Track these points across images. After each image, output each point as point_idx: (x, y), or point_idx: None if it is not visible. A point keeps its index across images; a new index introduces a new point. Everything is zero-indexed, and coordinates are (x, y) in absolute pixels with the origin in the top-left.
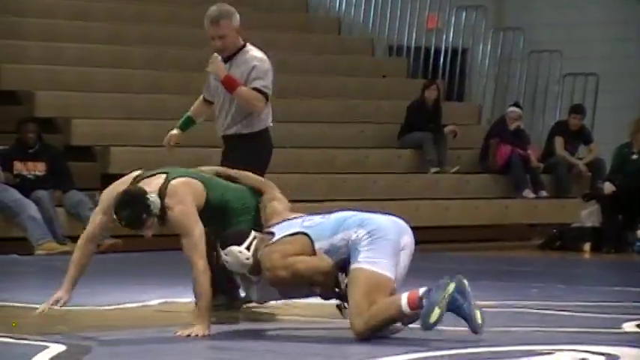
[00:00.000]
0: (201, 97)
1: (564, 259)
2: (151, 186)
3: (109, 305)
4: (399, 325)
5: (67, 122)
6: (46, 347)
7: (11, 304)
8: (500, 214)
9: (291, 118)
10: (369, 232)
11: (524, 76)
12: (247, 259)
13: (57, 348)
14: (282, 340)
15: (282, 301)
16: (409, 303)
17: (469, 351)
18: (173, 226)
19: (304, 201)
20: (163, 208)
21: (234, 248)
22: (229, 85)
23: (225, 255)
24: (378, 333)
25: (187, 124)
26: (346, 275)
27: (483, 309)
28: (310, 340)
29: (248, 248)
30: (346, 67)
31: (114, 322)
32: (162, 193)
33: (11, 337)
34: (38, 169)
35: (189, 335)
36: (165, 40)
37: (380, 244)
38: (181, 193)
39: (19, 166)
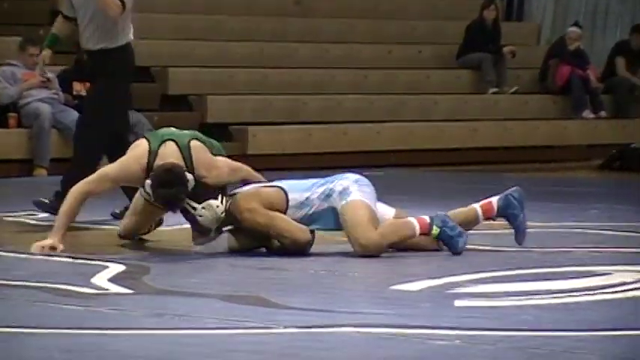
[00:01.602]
0: (60, 16)
1: (624, 180)
2: (175, 158)
3: (169, 225)
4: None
5: (164, 71)
6: (106, 267)
7: (73, 224)
8: (559, 135)
9: (352, 39)
10: (355, 181)
11: None
12: (222, 213)
13: (116, 267)
14: (335, 272)
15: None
16: (420, 227)
17: (530, 272)
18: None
19: (364, 122)
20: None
21: (213, 202)
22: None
23: (203, 209)
24: (395, 247)
25: (53, 42)
26: None
27: (542, 229)
28: (357, 264)
29: (221, 203)
30: None
31: (171, 241)
32: (189, 164)
33: (70, 257)
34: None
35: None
36: None
37: (366, 190)
38: (205, 158)
39: (78, 87)
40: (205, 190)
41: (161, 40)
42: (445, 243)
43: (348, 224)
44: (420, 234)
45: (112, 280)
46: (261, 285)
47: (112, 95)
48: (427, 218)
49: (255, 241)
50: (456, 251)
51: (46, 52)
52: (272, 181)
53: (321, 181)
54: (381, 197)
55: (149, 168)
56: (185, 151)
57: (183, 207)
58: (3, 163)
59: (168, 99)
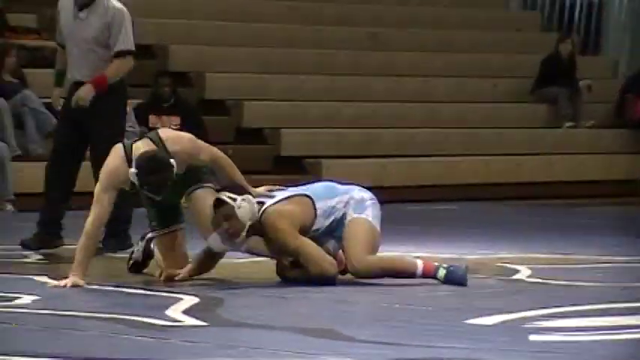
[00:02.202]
0: (59, 48)
1: None
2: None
3: (240, 258)
4: None
5: (201, 76)
6: (180, 299)
7: None
8: (635, 169)
9: (426, 72)
10: (371, 198)
11: None
12: (258, 211)
13: (190, 300)
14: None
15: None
16: (425, 269)
17: (606, 306)
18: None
19: (439, 155)
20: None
21: (251, 197)
22: (101, 85)
23: (243, 200)
24: (375, 276)
25: (59, 79)
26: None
27: (619, 264)
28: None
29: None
30: (480, 20)
31: (246, 274)
32: (163, 149)
33: (144, 289)
34: (173, 122)
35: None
36: None
37: (377, 214)
38: (171, 134)
39: (153, 120)
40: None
41: (236, 73)
42: (453, 282)
43: (349, 239)
44: (423, 276)
45: (186, 312)
46: (335, 317)
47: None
48: (435, 263)
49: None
50: (463, 283)
51: (57, 92)
52: (289, 186)
53: (340, 188)
54: (455, 231)
55: (129, 160)
56: (154, 138)
57: (222, 199)
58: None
59: (242, 132)
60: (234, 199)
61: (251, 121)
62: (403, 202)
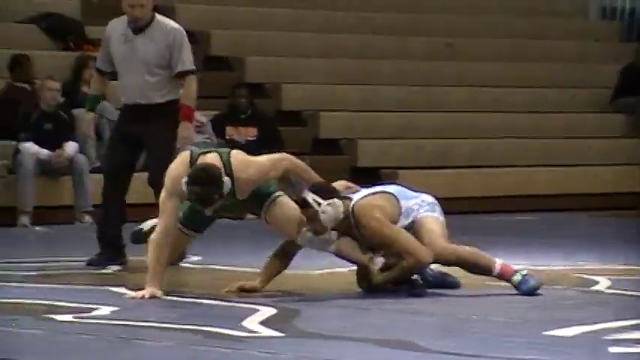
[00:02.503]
0: (95, 73)
1: None
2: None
3: (318, 269)
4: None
5: (277, 87)
6: (257, 310)
7: (224, 267)
8: None
9: (503, 82)
10: (438, 204)
11: None
12: (342, 214)
13: (267, 311)
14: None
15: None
16: (502, 270)
17: None
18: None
19: (516, 166)
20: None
21: (337, 201)
22: (190, 116)
23: (328, 205)
24: (449, 264)
25: (94, 103)
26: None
27: None
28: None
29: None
30: (558, 30)
31: (322, 285)
32: (228, 169)
33: (222, 301)
34: (250, 133)
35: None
36: (373, 7)
37: (443, 217)
38: (242, 160)
39: (230, 131)
40: (323, 185)
41: (313, 84)
42: (524, 290)
43: (426, 229)
44: (498, 275)
45: (262, 323)
46: (412, 329)
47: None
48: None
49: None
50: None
51: (90, 116)
52: (373, 185)
53: (410, 192)
54: (533, 242)
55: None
56: (224, 157)
57: (305, 200)
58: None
59: (319, 143)
60: (319, 204)
61: (328, 131)
62: (479, 212)
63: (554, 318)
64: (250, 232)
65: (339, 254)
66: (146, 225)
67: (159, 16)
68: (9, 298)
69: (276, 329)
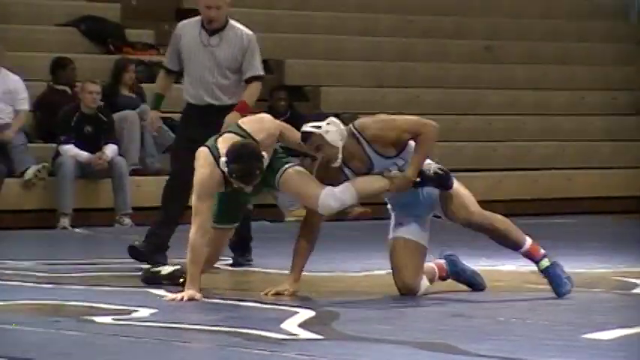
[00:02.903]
0: (162, 72)
1: None
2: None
3: (356, 272)
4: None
5: (316, 90)
6: (296, 312)
7: (263, 269)
8: None
9: (543, 85)
10: None
11: None
12: (345, 130)
13: (306, 313)
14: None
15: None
16: (531, 248)
17: None
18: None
19: (556, 169)
20: None
21: (334, 118)
22: (245, 111)
23: (328, 124)
24: (481, 230)
25: (159, 102)
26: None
27: None
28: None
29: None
30: (599, 32)
31: (362, 288)
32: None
33: (261, 303)
34: None
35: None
36: (413, 10)
37: None
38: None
39: None
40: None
41: (352, 87)
42: (550, 276)
43: (462, 195)
44: (526, 253)
45: (301, 325)
46: (451, 332)
47: None
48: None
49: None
50: (560, 293)
51: (154, 114)
52: None
53: None
54: (572, 245)
55: (218, 163)
56: (237, 130)
57: (305, 132)
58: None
59: None
60: (319, 127)
61: None
62: (520, 215)
63: (593, 321)
64: (289, 234)
65: (361, 197)
66: (165, 269)
67: (232, 21)
68: (49, 300)
69: (314, 332)
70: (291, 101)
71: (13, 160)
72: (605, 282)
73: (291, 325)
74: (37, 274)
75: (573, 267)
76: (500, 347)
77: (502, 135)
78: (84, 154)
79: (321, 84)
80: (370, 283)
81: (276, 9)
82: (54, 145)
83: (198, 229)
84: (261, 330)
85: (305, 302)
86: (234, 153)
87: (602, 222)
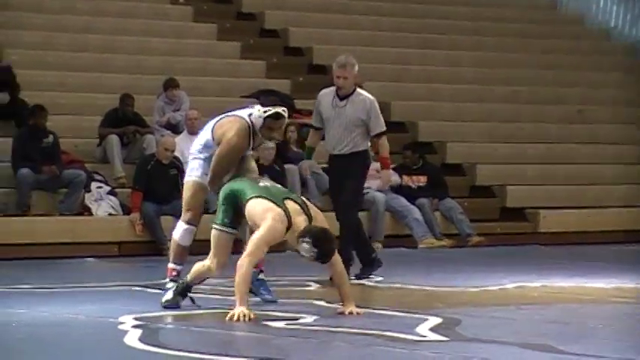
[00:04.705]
0: (311, 130)
1: None
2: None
3: (475, 287)
4: None
5: (442, 145)
6: (426, 319)
7: (401, 285)
8: None
9: (622, 141)
10: None
11: None
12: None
13: (434, 320)
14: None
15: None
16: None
17: None
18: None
19: (634, 207)
20: None
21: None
22: (389, 164)
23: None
24: None
25: (310, 153)
26: None
27: None
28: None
29: None
30: None
31: (480, 300)
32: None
33: (398, 311)
34: (421, 181)
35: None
36: (520, 81)
37: None
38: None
39: (406, 179)
40: None
41: (471, 142)
42: None
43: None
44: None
45: (432, 329)
46: (550, 334)
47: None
48: None
49: None
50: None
51: (307, 164)
52: None
53: None
54: None
55: (289, 224)
56: (303, 207)
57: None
58: None
59: (476, 189)
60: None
61: (483, 179)
62: (599, 243)
63: None
64: (422, 258)
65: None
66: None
67: (359, 89)
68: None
69: (442, 334)
70: (422, 154)
71: None
72: None
73: (423, 329)
74: (224, 288)
75: None
76: (588, 347)
77: (590, 180)
78: None
79: (446, 140)
80: (484, 296)
81: (409, 82)
82: None
83: (252, 261)
84: (400, 333)
85: (434, 311)
86: (320, 237)
87: None
